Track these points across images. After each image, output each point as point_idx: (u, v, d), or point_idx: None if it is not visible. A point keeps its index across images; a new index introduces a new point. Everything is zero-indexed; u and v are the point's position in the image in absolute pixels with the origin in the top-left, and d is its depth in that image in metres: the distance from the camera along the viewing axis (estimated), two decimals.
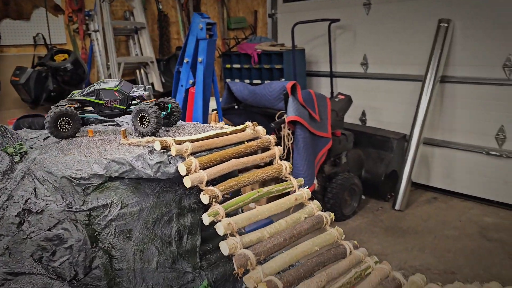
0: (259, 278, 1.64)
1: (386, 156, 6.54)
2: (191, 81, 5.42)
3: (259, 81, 7.42)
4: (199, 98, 5.31)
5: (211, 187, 1.80)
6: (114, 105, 2.21)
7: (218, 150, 1.97)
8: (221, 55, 7.99)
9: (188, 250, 2.10)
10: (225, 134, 2.04)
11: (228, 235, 1.73)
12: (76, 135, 2.27)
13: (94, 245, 1.87)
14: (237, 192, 2.01)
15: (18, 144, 2.12)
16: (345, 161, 6.12)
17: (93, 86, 2.24)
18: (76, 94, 2.25)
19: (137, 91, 2.22)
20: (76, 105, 2.26)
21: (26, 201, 1.87)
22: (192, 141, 1.88)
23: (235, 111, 6.10)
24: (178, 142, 1.87)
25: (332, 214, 2.02)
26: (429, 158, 6.79)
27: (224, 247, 1.69)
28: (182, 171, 1.79)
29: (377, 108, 7.21)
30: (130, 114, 2.25)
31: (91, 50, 6.81)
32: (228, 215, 1.80)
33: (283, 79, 7.12)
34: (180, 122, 2.51)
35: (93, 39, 6.76)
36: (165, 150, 1.88)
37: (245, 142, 2.08)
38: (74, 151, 2.05)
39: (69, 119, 2.18)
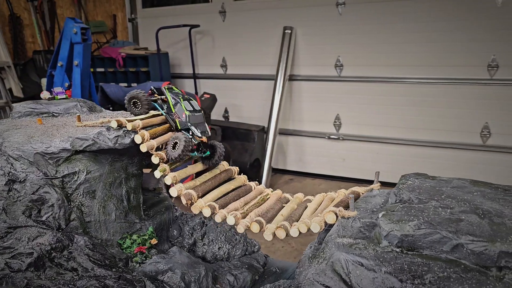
0: (202, 205, 2.56)
1: (249, 146, 7.83)
2: (67, 84, 5.86)
3: (125, 84, 8.03)
4: None
5: (159, 152, 2.65)
6: (176, 119, 2.74)
7: (156, 127, 2.83)
8: None
9: (135, 206, 2.89)
10: (159, 114, 2.90)
11: (174, 183, 2.61)
12: (26, 124, 2.85)
13: (69, 203, 2.55)
14: None
15: None
16: None
17: (182, 96, 2.73)
18: (173, 89, 2.79)
19: (196, 129, 2.64)
20: (157, 96, 2.85)
21: (8, 173, 2.45)
22: (141, 119, 2.71)
23: None
24: (130, 121, 2.67)
25: (237, 168, 3.03)
26: (284, 145, 8.34)
27: (173, 191, 2.57)
28: (138, 140, 2.61)
29: (237, 105, 8.50)
30: (181, 132, 2.73)
31: None
32: (172, 171, 2.68)
33: (150, 81, 7.88)
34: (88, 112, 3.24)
35: None
36: (119, 127, 2.65)
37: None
38: (37, 134, 2.67)
39: (138, 102, 2.82)
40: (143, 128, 2.70)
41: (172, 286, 2.48)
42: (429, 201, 2.13)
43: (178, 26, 7.76)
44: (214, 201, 2.62)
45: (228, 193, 2.79)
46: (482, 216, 1.98)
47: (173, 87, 2.91)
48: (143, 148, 2.60)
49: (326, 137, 7.94)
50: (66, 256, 2.35)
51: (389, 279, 1.78)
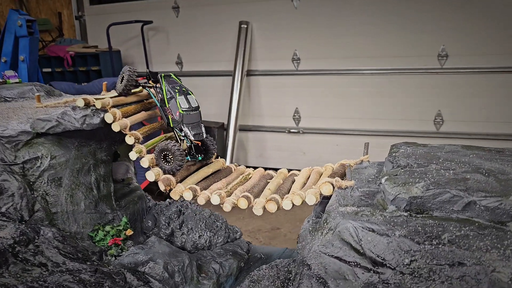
0: (181, 189, 2.32)
1: None
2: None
3: (75, 84, 7.53)
4: None
5: (133, 131, 2.39)
6: (169, 115, 2.38)
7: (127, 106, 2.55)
8: None
9: (105, 195, 2.60)
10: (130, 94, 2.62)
11: (151, 166, 2.35)
12: None
13: (32, 192, 2.23)
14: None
15: None
16: None
17: (178, 90, 2.38)
18: (174, 78, 2.43)
19: (189, 130, 2.33)
20: (152, 83, 2.46)
21: None
22: (111, 97, 2.43)
23: None
24: (99, 99, 2.38)
25: (215, 154, 2.79)
26: (245, 141, 8.15)
27: (151, 175, 2.31)
28: (109, 119, 2.33)
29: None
30: (173, 130, 2.43)
31: None
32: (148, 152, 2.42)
33: (103, 78, 7.43)
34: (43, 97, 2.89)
35: None
36: (87, 106, 2.36)
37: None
38: None
39: (170, 155, 2.32)
40: (113, 106, 2.42)
41: (155, 277, 2.22)
42: (429, 164, 2.02)
43: (130, 22, 7.40)
44: (195, 184, 2.39)
45: (208, 176, 2.57)
46: (487, 174, 1.89)
47: (171, 74, 2.54)
48: (116, 127, 2.33)
49: (286, 131, 7.83)
50: (33, 250, 2.03)
51: (405, 242, 1.63)
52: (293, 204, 2.13)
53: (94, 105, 2.35)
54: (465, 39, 6.69)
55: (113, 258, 2.37)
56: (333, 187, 2.11)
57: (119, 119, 2.35)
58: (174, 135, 2.50)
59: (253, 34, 7.64)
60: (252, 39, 7.64)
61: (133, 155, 2.33)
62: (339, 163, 2.50)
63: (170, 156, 2.29)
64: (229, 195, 2.29)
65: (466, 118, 7.00)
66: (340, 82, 7.43)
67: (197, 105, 2.46)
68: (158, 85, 2.49)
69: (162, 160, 2.31)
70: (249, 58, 7.69)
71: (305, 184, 2.39)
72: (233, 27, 7.66)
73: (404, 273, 1.59)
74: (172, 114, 2.38)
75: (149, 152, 2.40)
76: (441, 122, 7.13)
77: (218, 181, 2.50)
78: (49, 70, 7.71)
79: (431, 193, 1.77)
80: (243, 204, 2.20)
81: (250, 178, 2.58)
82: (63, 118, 2.30)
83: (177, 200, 3.00)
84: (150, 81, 2.54)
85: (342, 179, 2.17)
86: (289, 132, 7.92)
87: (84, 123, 2.32)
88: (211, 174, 2.61)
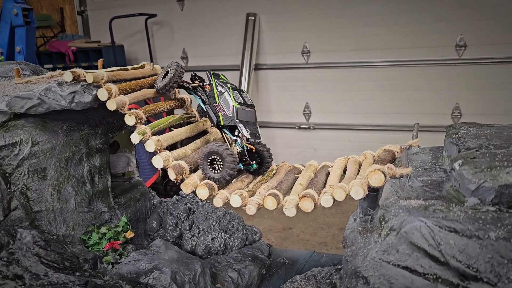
0: (196, 182, 1.84)
1: None
2: None
3: None
4: None
5: (134, 110, 1.91)
6: (219, 112, 1.94)
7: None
8: None
9: (101, 191, 2.12)
10: (126, 69, 2.14)
11: (158, 150, 1.88)
12: None
13: (8, 186, 1.75)
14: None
15: None
16: None
17: (232, 86, 1.96)
18: (220, 77, 2.00)
19: (245, 128, 1.87)
20: (198, 83, 2.06)
21: None
22: (106, 71, 1.95)
23: None
24: (89, 72, 1.90)
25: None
26: None
27: (159, 160, 1.83)
28: (103, 96, 1.85)
29: None
30: (222, 131, 1.98)
31: None
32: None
33: None
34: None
35: None
36: (75, 80, 1.88)
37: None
38: None
39: (219, 160, 1.85)
40: (108, 81, 1.94)
41: None
42: (510, 146, 1.54)
43: (133, 15, 6.94)
44: None
45: None
46: None
47: (220, 74, 2.11)
48: (111, 105, 1.84)
49: (296, 127, 7.34)
50: (5, 259, 1.56)
51: (506, 247, 1.15)
52: (335, 200, 1.65)
53: (84, 80, 1.87)
54: (485, 27, 6.19)
55: (110, 266, 1.90)
56: (385, 176, 1.63)
57: (115, 96, 1.87)
58: (222, 138, 2.01)
59: (261, 26, 7.16)
60: (260, 31, 7.17)
61: (135, 137, 1.84)
62: (382, 148, 2.02)
63: (219, 162, 1.81)
64: (252, 195, 1.81)
65: (486, 111, 6.50)
66: (352, 76, 6.95)
67: (252, 103, 1.99)
68: (205, 83, 2.09)
69: (209, 166, 1.82)
70: (257, 52, 7.21)
71: (343, 176, 1.90)
72: (240, 20, 7.19)
73: None
74: (223, 110, 1.92)
75: (154, 134, 1.92)
76: (459, 116, 6.64)
77: (237, 178, 2.02)
78: (51, 66, 7.26)
79: None
80: (270, 204, 1.72)
81: (274, 175, 2.08)
82: (47, 96, 1.82)
83: (185, 196, 2.52)
84: (196, 81, 2.12)
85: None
86: (299, 128, 7.44)
87: (72, 101, 1.84)
88: None
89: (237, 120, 1.87)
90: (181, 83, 2.10)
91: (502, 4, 6.07)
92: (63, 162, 1.93)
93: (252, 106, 1.96)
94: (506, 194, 1.29)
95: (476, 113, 6.54)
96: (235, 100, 1.89)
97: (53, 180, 1.88)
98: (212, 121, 1.99)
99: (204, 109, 2.04)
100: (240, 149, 1.90)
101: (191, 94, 2.13)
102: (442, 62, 6.57)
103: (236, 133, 1.91)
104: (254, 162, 1.93)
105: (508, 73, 6.29)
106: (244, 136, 1.86)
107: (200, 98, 2.07)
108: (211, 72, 2.06)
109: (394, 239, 1.31)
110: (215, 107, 1.96)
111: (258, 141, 1.93)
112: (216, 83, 1.97)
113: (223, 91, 1.93)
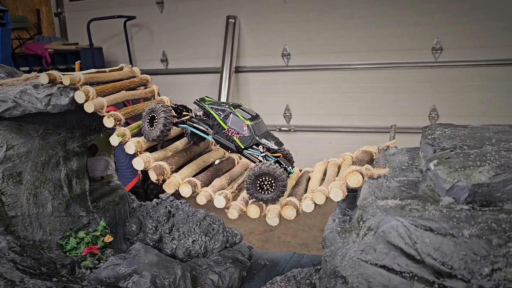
0: (178, 182, 1.83)
1: None
2: None
3: None
4: None
5: (113, 112, 1.89)
6: (234, 137, 1.83)
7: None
8: None
9: (79, 195, 2.09)
10: (104, 72, 2.12)
11: (138, 152, 1.86)
12: None
13: None
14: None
15: None
16: None
17: (228, 104, 1.83)
18: (208, 100, 1.85)
19: (268, 141, 1.81)
20: (187, 113, 1.92)
21: None
22: (83, 73, 1.92)
23: None
24: (66, 75, 1.88)
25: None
26: None
27: (139, 162, 1.82)
28: (81, 99, 1.82)
29: (181, 101, 7.67)
30: (244, 155, 1.85)
31: None
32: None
33: None
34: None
35: None
36: (52, 83, 1.85)
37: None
38: None
39: (154, 115, 1.85)
40: (86, 84, 1.92)
41: None
42: (482, 146, 1.59)
43: (112, 17, 6.86)
44: (193, 177, 1.91)
45: (207, 167, 2.08)
46: None
47: (205, 97, 2.00)
48: (89, 107, 1.82)
49: (277, 129, 7.38)
50: None
51: (479, 244, 1.18)
52: (316, 204, 1.66)
53: (61, 82, 1.84)
54: (460, 31, 6.34)
55: (88, 271, 1.87)
56: (363, 177, 1.65)
57: (93, 98, 1.85)
58: (248, 158, 1.90)
59: (241, 29, 7.19)
60: (240, 34, 7.19)
61: (114, 140, 1.82)
62: (360, 150, 2.05)
63: (270, 181, 1.71)
64: (235, 197, 1.81)
65: (462, 112, 6.65)
66: (332, 78, 7.02)
67: (256, 113, 1.90)
68: (199, 112, 1.96)
69: (258, 189, 1.73)
70: (237, 54, 7.23)
71: (323, 179, 1.92)
72: (220, 22, 7.20)
73: (484, 287, 1.13)
74: (237, 133, 1.82)
75: (134, 136, 1.90)
76: (436, 117, 6.78)
77: (220, 175, 2.02)
78: (27, 68, 7.12)
79: (500, 179, 1.32)
80: (253, 212, 1.72)
81: None
82: (22, 98, 1.79)
83: (165, 200, 2.51)
84: (184, 112, 2.03)
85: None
86: (280, 130, 7.48)
87: (49, 104, 1.82)
88: (211, 164, 2.14)
89: (257, 137, 1.79)
90: (176, 123, 1.99)
91: (477, 8, 6.22)
92: (40, 166, 1.90)
93: (258, 116, 1.88)
94: (479, 192, 1.33)
95: (453, 114, 6.69)
96: (244, 118, 1.81)
97: (29, 185, 1.85)
98: (227, 149, 1.89)
99: (211, 139, 1.94)
100: (273, 161, 1.82)
101: (186, 128, 2.03)
102: (420, 65, 6.70)
103: (261, 149, 1.82)
104: (291, 167, 1.88)
105: (483, 76, 6.45)
106: (272, 148, 1.80)
107: (198, 129, 1.95)
108: (199, 100, 1.96)
109: (371, 239, 1.34)
110: (225, 134, 1.85)
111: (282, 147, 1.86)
112: (213, 109, 1.87)
113: (226, 114, 1.83)
